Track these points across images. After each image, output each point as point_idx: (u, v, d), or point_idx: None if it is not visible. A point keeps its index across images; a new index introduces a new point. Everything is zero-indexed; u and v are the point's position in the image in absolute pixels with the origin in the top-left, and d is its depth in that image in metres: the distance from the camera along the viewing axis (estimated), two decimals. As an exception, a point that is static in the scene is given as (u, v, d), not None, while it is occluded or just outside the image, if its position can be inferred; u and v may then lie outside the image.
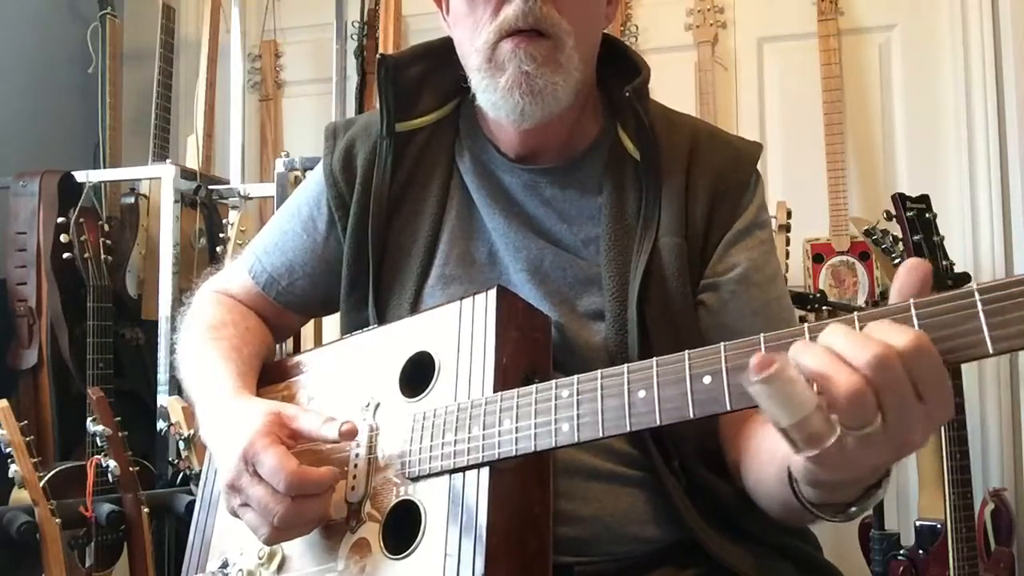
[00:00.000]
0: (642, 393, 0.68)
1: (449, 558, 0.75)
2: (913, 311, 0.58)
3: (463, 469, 0.78)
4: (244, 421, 0.84)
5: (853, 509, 0.69)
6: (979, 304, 0.56)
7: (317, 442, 0.87)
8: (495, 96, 0.94)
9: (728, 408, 0.64)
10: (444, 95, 1.07)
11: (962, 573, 1.77)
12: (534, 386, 0.76)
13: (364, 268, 1.03)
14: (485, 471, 0.76)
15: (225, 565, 0.93)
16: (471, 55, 0.95)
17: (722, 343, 0.65)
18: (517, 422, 0.75)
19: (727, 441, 0.93)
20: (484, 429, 0.77)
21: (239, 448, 0.81)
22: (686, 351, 0.67)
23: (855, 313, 0.60)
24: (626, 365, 0.71)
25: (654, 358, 0.69)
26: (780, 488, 0.75)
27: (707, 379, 0.65)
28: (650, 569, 0.91)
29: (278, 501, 0.79)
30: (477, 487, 0.76)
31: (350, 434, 0.82)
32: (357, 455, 0.87)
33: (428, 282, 1.00)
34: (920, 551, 1.93)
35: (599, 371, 0.72)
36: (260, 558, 0.89)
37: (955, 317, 0.57)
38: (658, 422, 0.67)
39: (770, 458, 0.79)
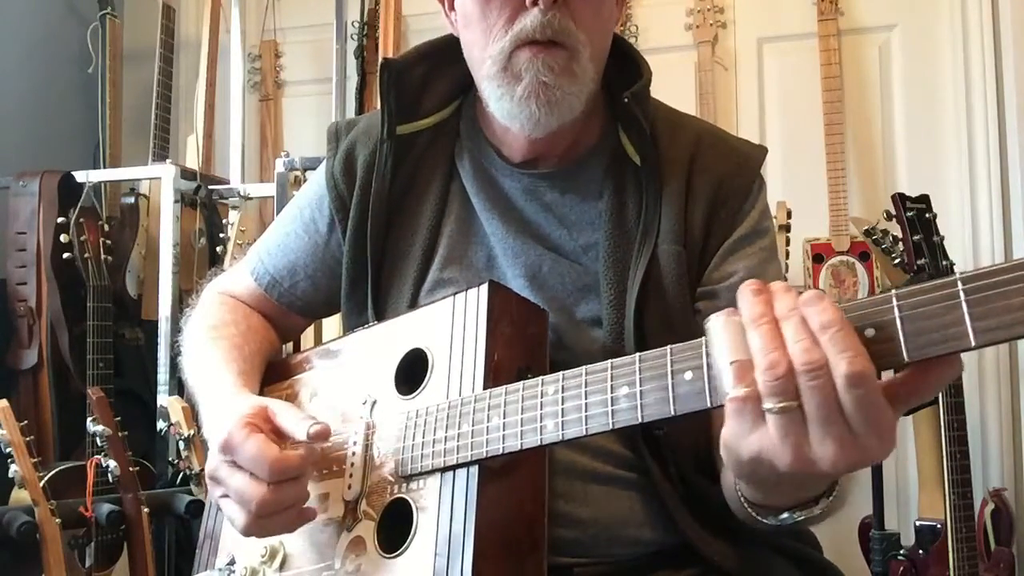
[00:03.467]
0: (625, 389, 0.68)
1: (439, 557, 0.75)
2: (895, 302, 0.57)
3: (453, 467, 0.78)
4: (229, 415, 0.83)
5: (784, 515, 0.71)
6: (962, 294, 0.54)
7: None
8: (510, 105, 0.93)
9: (708, 404, 0.63)
10: (446, 97, 1.06)
11: (962, 573, 1.77)
12: (522, 382, 0.75)
13: (363, 271, 1.03)
14: (475, 469, 0.76)
15: (232, 562, 0.94)
16: (483, 61, 0.94)
17: (703, 338, 0.65)
18: (505, 419, 0.75)
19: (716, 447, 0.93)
20: (473, 426, 0.77)
21: (219, 439, 0.80)
22: (668, 346, 0.67)
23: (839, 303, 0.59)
24: (610, 361, 0.70)
25: (637, 353, 0.69)
26: (732, 489, 0.78)
27: (688, 375, 0.65)
28: (648, 571, 0.91)
29: (256, 487, 0.78)
30: (467, 485, 0.76)
31: (319, 436, 0.80)
32: (354, 453, 0.87)
33: (425, 286, 1.00)
34: (920, 551, 1.93)
35: (584, 367, 0.71)
36: (262, 556, 0.90)
37: (937, 308, 0.55)
38: (640, 419, 0.67)
39: None
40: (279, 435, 0.83)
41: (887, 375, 0.60)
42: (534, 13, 0.89)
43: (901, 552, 1.96)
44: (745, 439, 0.61)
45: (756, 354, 0.59)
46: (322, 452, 0.89)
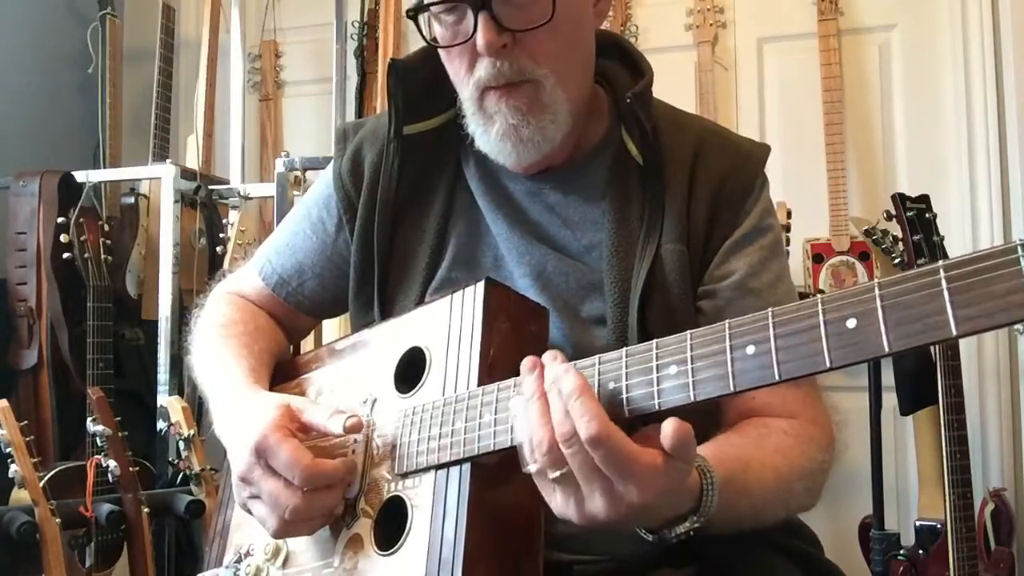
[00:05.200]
0: (612, 384, 0.68)
1: (431, 554, 0.75)
2: (877, 291, 0.56)
3: (447, 465, 0.78)
4: (256, 415, 0.84)
5: (662, 534, 0.75)
6: (944, 282, 0.53)
7: (323, 436, 0.88)
8: (489, 143, 0.95)
9: (692, 399, 0.64)
10: (451, 99, 1.06)
11: (962, 573, 1.77)
12: (513, 379, 0.75)
13: (371, 270, 1.03)
14: (467, 466, 0.76)
15: (239, 559, 0.95)
16: (464, 101, 0.97)
17: (688, 332, 0.66)
18: (496, 415, 0.75)
19: None
20: (467, 422, 0.77)
21: (251, 442, 0.81)
22: (654, 340, 0.67)
23: (819, 296, 0.59)
24: (598, 356, 0.71)
25: (624, 348, 0.69)
26: None
27: (673, 368, 0.65)
28: (648, 569, 0.90)
29: (291, 494, 0.79)
30: (459, 483, 0.76)
31: (355, 428, 0.82)
32: (354, 451, 0.87)
33: (433, 285, 1.00)
34: (920, 551, 1.93)
35: (573, 362, 0.71)
36: (266, 553, 0.91)
37: (918, 297, 0.54)
38: (626, 415, 0.67)
39: None
40: (304, 432, 0.85)
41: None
42: (486, 65, 0.91)
43: (901, 552, 1.96)
44: (550, 504, 0.70)
45: (532, 433, 0.68)
46: (327, 450, 0.89)
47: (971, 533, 1.79)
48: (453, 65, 0.95)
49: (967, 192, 2.37)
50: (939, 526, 1.88)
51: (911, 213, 1.82)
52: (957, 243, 2.29)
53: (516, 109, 0.92)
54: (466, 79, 0.93)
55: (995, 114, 2.35)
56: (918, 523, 1.97)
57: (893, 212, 1.86)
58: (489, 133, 0.94)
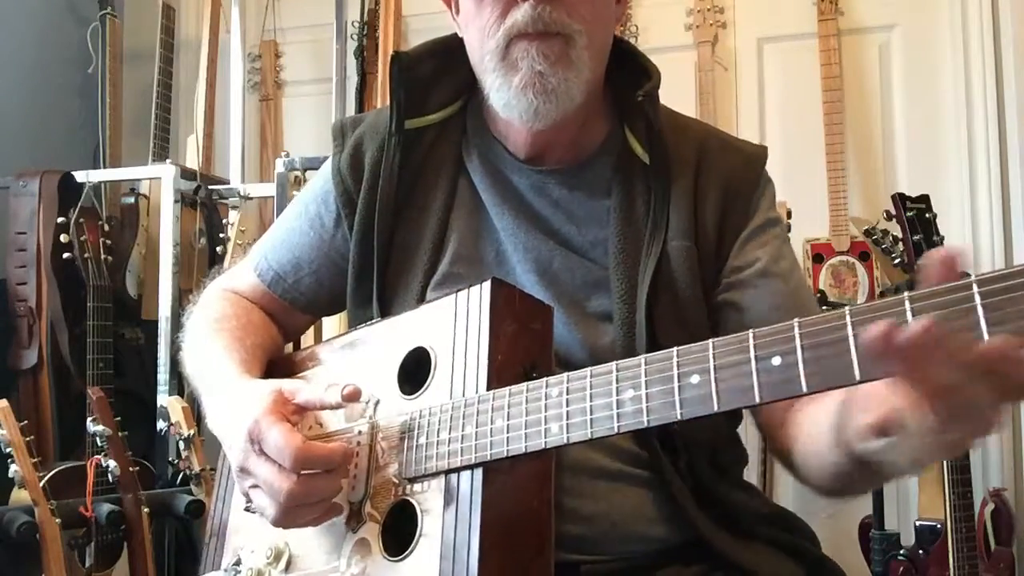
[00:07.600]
0: (630, 392, 0.67)
1: (444, 561, 0.74)
2: (907, 304, 0.55)
3: (457, 470, 0.77)
4: (247, 403, 0.83)
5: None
6: (978, 297, 0.52)
7: (323, 431, 0.88)
8: (508, 95, 0.94)
9: (716, 408, 0.62)
10: (453, 93, 1.07)
11: (962, 573, 1.77)
12: (525, 384, 0.75)
13: (370, 266, 1.03)
14: (479, 471, 0.76)
15: (238, 562, 0.93)
16: (483, 57, 0.96)
17: (710, 340, 0.65)
18: (508, 420, 0.74)
19: (772, 431, 0.94)
20: (477, 428, 0.76)
21: (244, 429, 0.80)
22: (675, 348, 0.66)
23: (846, 308, 0.58)
24: (615, 363, 0.69)
25: (643, 355, 0.68)
26: (836, 454, 0.76)
27: (695, 378, 0.64)
28: (656, 568, 0.91)
29: (284, 478, 0.77)
30: (471, 487, 0.76)
31: (353, 396, 0.80)
32: (357, 454, 0.86)
33: (434, 280, 1.00)
34: (920, 551, 1.93)
35: (589, 369, 0.71)
36: (268, 557, 0.89)
37: (951, 312, 0.53)
38: (646, 423, 0.66)
39: (827, 427, 0.78)
40: (300, 414, 0.84)
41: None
42: (525, 8, 0.90)
43: (901, 552, 1.96)
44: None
45: None
46: (329, 440, 0.88)
47: (971, 533, 1.79)
48: (483, 15, 0.94)
49: (967, 192, 2.37)
50: (939, 526, 1.88)
51: (911, 213, 1.82)
52: (957, 243, 2.29)
53: (545, 56, 0.91)
54: (495, 26, 0.93)
55: (995, 114, 2.35)
56: (918, 523, 1.97)
57: (893, 212, 1.86)
58: (510, 83, 0.93)
